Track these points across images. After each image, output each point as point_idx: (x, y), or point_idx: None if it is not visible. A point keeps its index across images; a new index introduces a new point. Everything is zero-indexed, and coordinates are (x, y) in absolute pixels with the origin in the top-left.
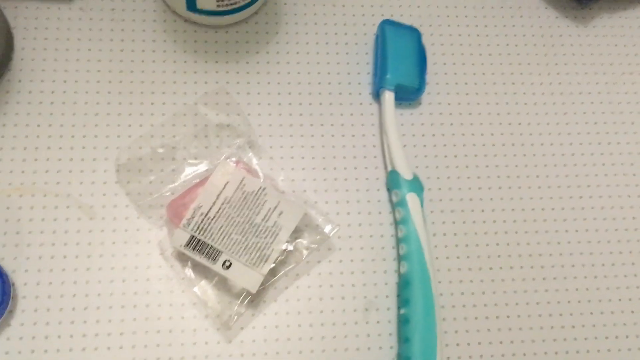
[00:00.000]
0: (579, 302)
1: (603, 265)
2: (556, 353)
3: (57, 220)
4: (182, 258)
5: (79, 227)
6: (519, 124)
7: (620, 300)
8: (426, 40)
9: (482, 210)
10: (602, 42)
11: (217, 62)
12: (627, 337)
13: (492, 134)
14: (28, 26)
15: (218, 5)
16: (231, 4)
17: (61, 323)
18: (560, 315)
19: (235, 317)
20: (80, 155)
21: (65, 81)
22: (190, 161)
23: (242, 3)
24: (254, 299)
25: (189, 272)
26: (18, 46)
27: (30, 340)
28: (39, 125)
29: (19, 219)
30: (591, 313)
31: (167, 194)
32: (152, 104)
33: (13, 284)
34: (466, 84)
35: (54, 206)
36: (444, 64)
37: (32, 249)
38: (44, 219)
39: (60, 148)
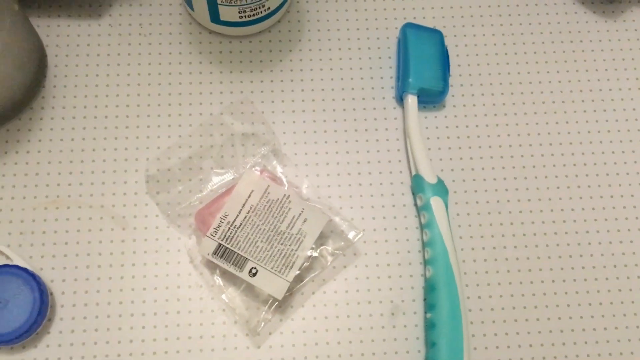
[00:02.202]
0: (611, 303)
1: (636, 265)
2: (588, 355)
3: (92, 231)
4: (210, 265)
5: (112, 237)
6: (546, 123)
7: None
8: (449, 42)
9: (509, 212)
10: (633, 37)
11: (241, 71)
12: None
13: (518, 135)
14: (60, 43)
15: (240, 17)
16: (253, 15)
17: (97, 330)
18: (592, 317)
19: (263, 323)
20: (112, 168)
21: (96, 96)
22: (217, 170)
23: (264, 13)
24: (282, 305)
25: (217, 279)
26: (51, 63)
27: (68, 347)
28: (72, 140)
29: (56, 231)
30: (624, 315)
31: (195, 203)
32: (180, 115)
33: (51, 293)
34: (491, 84)
35: (88, 217)
36: (468, 65)
37: (68, 259)
38: (79, 230)
39: (93, 161)
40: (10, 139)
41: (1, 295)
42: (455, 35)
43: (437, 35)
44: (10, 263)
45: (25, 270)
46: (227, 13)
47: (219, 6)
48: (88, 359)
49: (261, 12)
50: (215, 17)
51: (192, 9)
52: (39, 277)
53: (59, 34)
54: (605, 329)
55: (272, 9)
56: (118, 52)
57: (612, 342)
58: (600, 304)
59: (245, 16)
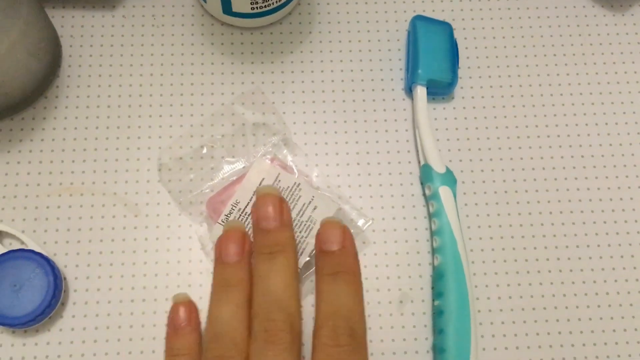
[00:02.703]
0: (629, 293)
1: None
2: (594, 344)
3: (105, 218)
4: None
5: (125, 224)
6: (554, 115)
7: None
8: (458, 34)
9: (517, 203)
10: None
11: (252, 62)
12: None
13: (526, 126)
14: (74, 34)
15: (252, 8)
16: (265, 6)
17: (110, 315)
18: (599, 307)
19: None
20: (125, 156)
21: (109, 85)
22: (228, 159)
23: (276, 5)
24: None
25: None
26: (65, 54)
27: (81, 331)
28: (86, 128)
29: (70, 217)
30: (631, 304)
31: (207, 191)
32: (192, 104)
33: (65, 278)
34: (499, 76)
35: (101, 204)
36: (477, 57)
37: (82, 245)
38: (92, 217)
39: (106, 149)
40: (25, 127)
41: (16, 279)
42: (464, 28)
43: (446, 28)
44: (24, 248)
45: (39, 254)
46: (239, 4)
47: None
48: (101, 343)
49: (273, 3)
50: (227, 8)
51: (204, 0)
52: (53, 262)
53: (74, 25)
54: (611, 318)
55: (283, 0)
56: (131, 43)
57: (618, 332)
58: (607, 293)
59: (257, 7)
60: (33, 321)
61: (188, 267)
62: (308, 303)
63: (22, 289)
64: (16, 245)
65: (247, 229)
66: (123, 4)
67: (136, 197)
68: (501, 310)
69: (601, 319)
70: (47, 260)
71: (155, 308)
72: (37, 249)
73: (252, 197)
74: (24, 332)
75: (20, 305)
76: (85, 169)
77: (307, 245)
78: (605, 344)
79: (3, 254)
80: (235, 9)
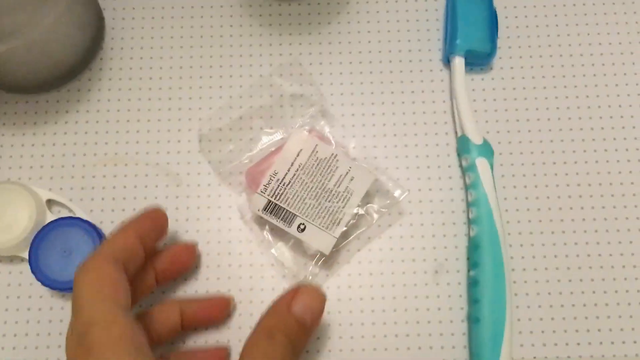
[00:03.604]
0: None
1: None
2: (631, 316)
3: (148, 187)
4: (260, 222)
5: (167, 194)
6: (595, 85)
7: None
8: (498, 3)
9: (556, 174)
10: None
11: (291, 34)
12: None
13: (566, 97)
14: (117, 7)
15: None
16: None
17: None
18: (637, 279)
19: (310, 277)
20: (166, 127)
21: (151, 58)
22: (267, 130)
23: None
24: (328, 261)
25: (267, 235)
26: (108, 26)
27: None
28: (129, 100)
29: (114, 187)
30: None
31: (246, 161)
32: (231, 76)
33: None
34: (539, 46)
35: (144, 174)
36: (517, 27)
37: (126, 213)
38: (136, 186)
39: (148, 120)
40: (71, 98)
41: (65, 245)
42: None
43: None
44: (72, 215)
45: (87, 222)
46: None
47: None
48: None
49: None
50: None
51: None
52: (100, 229)
53: None
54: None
55: None
56: (172, 16)
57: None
58: None
59: None
60: None
61: (228, 235)
62: (345, 272)
63: (71, 254)
64: (65, 213)
65: (285, 199)
66: None
67: (177, 167)
68: (536, 281)
69: (638, 291)
70: (94, 227)
71: (197, 276)
72: (84, 217)
73: (289, 168)
74: None
75: (70, 269)
76: (128, 139)
77: (344, 216)
78: None
79: (53, 222)
80: None
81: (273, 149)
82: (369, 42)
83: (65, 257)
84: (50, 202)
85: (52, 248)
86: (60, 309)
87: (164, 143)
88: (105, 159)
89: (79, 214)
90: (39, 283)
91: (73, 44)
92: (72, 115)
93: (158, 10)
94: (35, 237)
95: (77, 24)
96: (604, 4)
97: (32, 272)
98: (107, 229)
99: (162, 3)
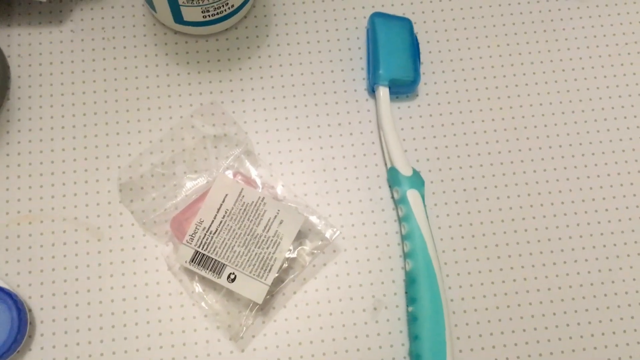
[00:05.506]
0: (592, 284)
1: (614, 245)
2: (570, 337)
3: (67, 244)
4: (189, 272)
5: (88, 249)
6: (520, 106)
7: (634, 279)
8: (419, 29)
9: (487, 199)
10: (604, 13)
11: (209, 71)
12: None
13: (492, 120)
14: (22, 53)
15: (204, 16)
16: (217, 13)
17: (79, 344)
18: (573, 299)
19: (245, 327)
20: (83, 178)
21: (62, 105)
22: (190, 175)
23: (228, 11)
24: (263, 307)
25: (197, 285)
26: (14, 74)
27: None
28: (41, 152)
29: (30, 246)
30: (605, 295)
31: (171, 209)
32: (149, 119)
33: (30, 310)
34: (463, 70)
35: (62, 230)
36: (439, 51)
37: (45, 274)
38: (54, 244)
39: (63, 172)
40: None
41: None
42: (424, 22)
43: (406, 24)
44: None
45: (1, 289)
46: (190, 13)
47: (181, 7)
48: None
49: (225, 10)
50: (178, 17)
51: (154, 10)
52: (16, 295)
53: (20, 43)
54: (586, 310)
55: (236, 6)
56: (82, 58)
57: (593, 324)
58: (581, 285)
59: (209, 15)
60: (0, 358)
61: (156, 289)
62: (281, 317)
63: None
64: None
65: (213, 248)
66: (70, 18)
67: (98, 220)
68: (476, 310)
69: (576, 311)
70: (8, 294)
71: (126, 334)
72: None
73: (215, 215)
74: None
75: None
76: (43, 194)
77: (276, 261)
78: (581, 337)
79: None
80: (186, 17)
81: (197, 195)
82: (291, 75)
83: None
84: None
85: None
86: None
87: (82, 195)
88: (18, 217)
89: None
90: None
91: None
92: None
93: (67, 54)
94: None
95: None
96: (523, 23)
97: None
98: (24, 293)
99: (71, 46)
